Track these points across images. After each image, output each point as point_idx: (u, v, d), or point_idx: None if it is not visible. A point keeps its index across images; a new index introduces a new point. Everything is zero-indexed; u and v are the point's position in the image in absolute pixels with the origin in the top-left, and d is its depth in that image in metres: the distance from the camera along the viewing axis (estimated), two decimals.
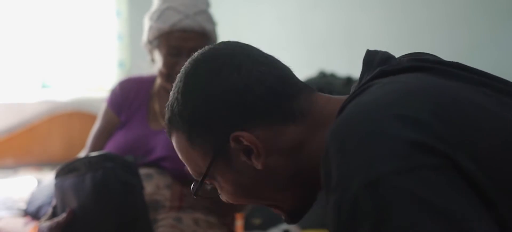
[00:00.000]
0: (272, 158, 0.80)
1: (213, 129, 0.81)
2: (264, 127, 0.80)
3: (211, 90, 0.82)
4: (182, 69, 0.89)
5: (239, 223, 2.21)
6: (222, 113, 0.81)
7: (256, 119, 0.80)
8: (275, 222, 2.28)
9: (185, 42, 1.55)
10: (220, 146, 0.81)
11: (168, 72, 1.57)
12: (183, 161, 0.87)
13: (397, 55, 0.86)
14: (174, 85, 0.88)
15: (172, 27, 1.54)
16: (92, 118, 3.27)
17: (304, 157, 0.81)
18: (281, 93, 0.82)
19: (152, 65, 1.70)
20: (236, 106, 0.80)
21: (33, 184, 2.62)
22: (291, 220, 0.89)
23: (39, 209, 2.20)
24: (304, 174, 0.82)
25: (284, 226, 2.23)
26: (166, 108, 0.88)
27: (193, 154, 0.84)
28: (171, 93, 0.87)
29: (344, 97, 0.81)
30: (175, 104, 0.85)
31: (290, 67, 0.90)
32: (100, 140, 1.66)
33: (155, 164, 1.56)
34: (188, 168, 0.87)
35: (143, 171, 1.49)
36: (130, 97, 1.70)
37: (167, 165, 1.55)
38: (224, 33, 2.16)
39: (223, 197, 0.87)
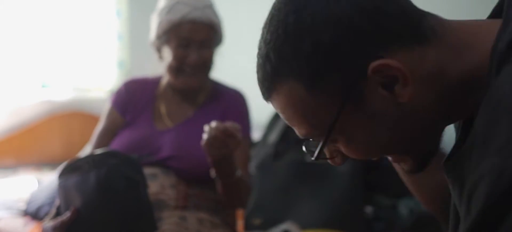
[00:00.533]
0: (415, 88, 0.67)
1: (341, 63, 0.67)
2: (404, 51, 0.67)
3: (334, 15, 0.67)
4: (274, 5, 0.72)
5: (239, 223, 2.21)
6: (353, 41, 0.66)
7: (393, 42, 0.67)
8: (275, 222, 2.28)
9: (195, 33, 1.59)
10: (352, 85, 0.67)
11: (178, 65, 1.61)
12: (293, 123, 0.72)
13: None
14: (267, 27, 0.72)
15: (182, 18, 1.58)
16: (92, 118, 3.28)
17: (445, 86, 0.68)
18: (411, 10, 0.69)
19: (155, 64, 1.71)
20: (369, 30, 0.66)
21: (33, 184, 2.62)
22: (420, 167, 0.76)
23: (39, 209, 2.20)
24: (443, 106, 0.69)
25: (284, 226, 2.23)
26: (261, 62, 0.72)
27: (312, 106, 0.69)
28: (265, 38, 0.71)
29: (474, 22, 0.71)
30: (282, 47, 0.68)
31: None
32: (104, 140, 1.67)
33: (161, 163, 1.57)
34: (301, 131, 0.73)
35: (148, 170, 1.50)
36: (135, 97, 1.71)
37: (173, 164, 1.56)
38: (225, 33, 2.16)
39: (349, 154, 0.73)
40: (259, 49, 0.73)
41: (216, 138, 1.38)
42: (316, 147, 0.72)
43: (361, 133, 0.70)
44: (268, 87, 0.72)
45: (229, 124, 1.40)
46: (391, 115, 0.68)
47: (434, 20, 0.70)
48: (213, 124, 1.39)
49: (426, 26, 0.69)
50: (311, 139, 0.74)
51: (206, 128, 1.40)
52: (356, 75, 0.67)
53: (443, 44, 0.69)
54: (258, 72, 0.74)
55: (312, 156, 0.73)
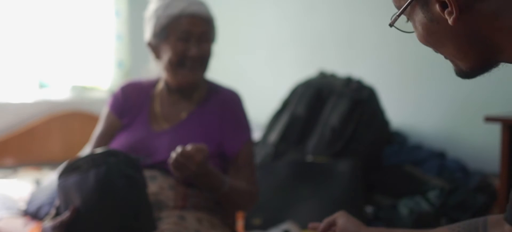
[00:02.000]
0: (466, 18, 0.83)
1: None
2: None
3: None
4: None
5: (239, 223, 2.21)
6: None
7: None
8: (275, 222, 2.28)
9: (194, 27, 1.61)
10: None
11: (179, 59, 1.62)
12: None
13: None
14: None
15: (181, 12, 1.61)
16: (91, 118, 3.28)
17: (497, 28, 0.83)
18: None
19: (154, 64, 1.71)
20: None
21: (33, 184, 2.62)
22: (464, 76, 0.92)
23: (39, 209, 2.20)
24: (493, 45, 0.85)
25: (284, 226, 2.23)
26: None
27: None
28: None
29: None
30: None
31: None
32: (102, 143, 1.68)
33: (159, 166, 1.57)
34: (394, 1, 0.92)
35: (147, 172, 1.50)
36: (131, 100, 1.72)
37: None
38: (224, 33, 2.16)
39: (416, 35, 0.92)
40: None
41: (177, 161, 1.44)
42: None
43: (422, 27, 0.89)
44: None
45: (190, 147, 1.44)
46: (441, 27, 0.86)
47: None
48: (178, 149, 1.45)
49: None
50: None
51: (172, 153, 1.46)
52: None
53: None
54: None
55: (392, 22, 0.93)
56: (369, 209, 2.37)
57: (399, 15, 0.90)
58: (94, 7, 3.59)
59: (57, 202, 1.39)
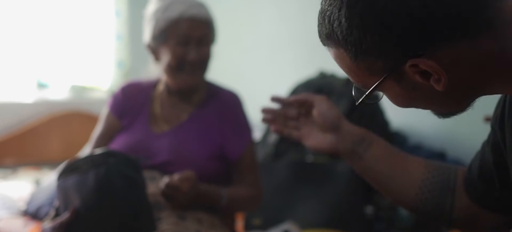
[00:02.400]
0: (456, 73, 0.73)
1: (385, 55, 0.74)
2: (449, 47, 0.72)
3: (385, 13, 0.71)
4: None
5: (239, 223, 2.21)
6: (399, 39, 0.72)
7: (440, 40, 0.72)
8: (275, 222, 2.28)
9: (193, 30, 1.60)
10: (392, 70, 0.75)
11: (178, 63, 1.61)
12: (343, 70, 0.81)
13: None
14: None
15: (180, 16, 1.59)
16: (90, 118, 3.28)
17: (492, 71, 0.74)
18: (467, 4, 0.71)
19: (153, 65, 1.70)
20: (416, 29, 0.71)
21: (33, 184, 2.62)
22: (444, 117, 0.85)
23: (39, 209, 2.20)
24: (485, 86, 0.77)
25: (284, 226, 2.23)
26: (321, 19, 0.78)
27: (357, 71, 0.78)
28: (326, 4, 0.77)
29: None
30: (335, 24, 0.75)
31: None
32: (102, 143, 1.68)
33: (159, 168, 1.57)
34: (349, 77, 0.82)
35: (146, 173, 1.50)
36: (132, 101, 1.71)
37: (170, 169, 1.56)
38: (224, 33, 2.16)
39: (389, 99, 0.84)
40: (321, 4, 0.79)
41: (164, 192, 1.45)
42: (361, 94, 0.82)
43: (400, 99, 0.80)
44: (324, 42, 0.80)
45: (176, 177, 1.45)
46: (424, 93, 0.77)
47: (495, 9, 0.72)
48: (165, 179, 1.46)
49: (484, 18, 0.72)
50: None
51: (160, 183, 1.47)
52: (397, 65, 0.74)
53: (500, 32, 0.72)
54: (318, 24, 0.80)
55: (357, 100, 0.83)
56: (369, 209, 2.36)
57: (368, 95, 0.80)
58: (94, 7, 3.59)
59: (56, 203, 1.39)
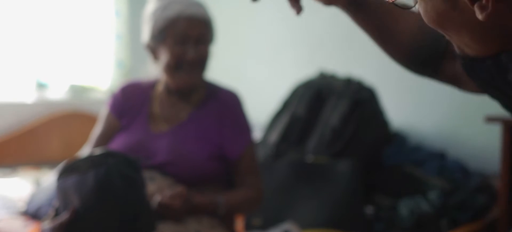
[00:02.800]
0: (497, 10, 0.71)
1: None
2: None
3: None
4: None
5: (239, 223, 2.21)
6: None
7: None
8: (275, 222, 2.28)
9: (191, 29, 1.61)
10: None
11: (176, 62, 1.61)
12: None
13: None
14: None
15: (179, 15, 1.60)
16: (90, 118, 3.28)
17: None
18: None
19: (152, 65, 1.70)
20: None
21: (33, 184, 2.62)
22: (466, 61, 0.82)
23: (38, 209, 2.19)
24: None
25: (284, 226, 2.22)
26: None
27: None
28: None
29: None
30: None
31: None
32: (101, 143, 1.68)
33: (158, 168, 1.57)
34: None
35: (145, 173, 1.50)
36: (131, 101, 1.71)
37: (169, 169, 1.56)
38: (224, 33, 2.15)
39: (423, 14, 0.80)
40: None
41: (158, 211, 1.46)
42: None
43: (435, 13, 0.77)
44: None
45: (168, 195, 1.46)
46: (465, 17, 0.74)
47: None
48: (157, 197, 1.47)
49: None
50: None
51: (154, 200, 1.48)
52: None
53: None
54: None
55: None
56: (369, 209, 2.36)
57: None
58: (94, 7, 3.59)
59: (56, 203, 1.39)
